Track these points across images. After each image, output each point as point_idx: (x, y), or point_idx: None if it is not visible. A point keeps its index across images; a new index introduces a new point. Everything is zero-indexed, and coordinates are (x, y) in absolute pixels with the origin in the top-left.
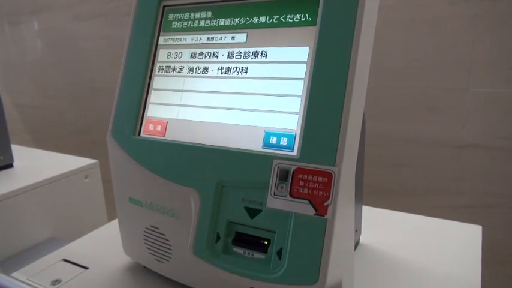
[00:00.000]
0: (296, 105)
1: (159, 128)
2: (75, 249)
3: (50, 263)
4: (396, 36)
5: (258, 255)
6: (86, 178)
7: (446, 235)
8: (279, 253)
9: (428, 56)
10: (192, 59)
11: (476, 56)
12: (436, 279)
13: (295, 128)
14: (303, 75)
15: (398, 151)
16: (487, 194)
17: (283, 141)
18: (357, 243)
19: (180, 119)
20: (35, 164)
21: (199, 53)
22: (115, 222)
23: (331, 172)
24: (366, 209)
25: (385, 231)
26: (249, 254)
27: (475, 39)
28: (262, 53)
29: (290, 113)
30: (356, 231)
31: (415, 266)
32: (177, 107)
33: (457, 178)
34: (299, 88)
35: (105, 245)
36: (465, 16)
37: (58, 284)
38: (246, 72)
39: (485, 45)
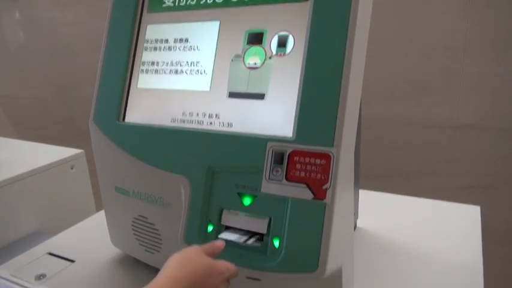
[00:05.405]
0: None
1: (145, 111)
2: (61, 242)
3: (34, 257)
4: (389, 16)
5: (253, 243)
6: (72, 168)
7: (444, 217)
8: (276, 240)
9: (422, 36)
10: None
11: (470, 36)
12: (437, 263)
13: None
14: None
15: (392, 133)
16: (483, 175)
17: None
18: (354, 227)
19: (167, 100)
20: (18, 156)
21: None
22: (102, 212)
23: (330, 154)
24: (361, 192)
25: (382, 215)
26: (244, 242)
27: (469, 19)
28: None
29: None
30: (354, 214)
31: (415, 250)
32: (165, 89)
33: (452, 159)
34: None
35: (93, 237)
36: None
37: (43, 278)
38: None
39: (479, 25)
